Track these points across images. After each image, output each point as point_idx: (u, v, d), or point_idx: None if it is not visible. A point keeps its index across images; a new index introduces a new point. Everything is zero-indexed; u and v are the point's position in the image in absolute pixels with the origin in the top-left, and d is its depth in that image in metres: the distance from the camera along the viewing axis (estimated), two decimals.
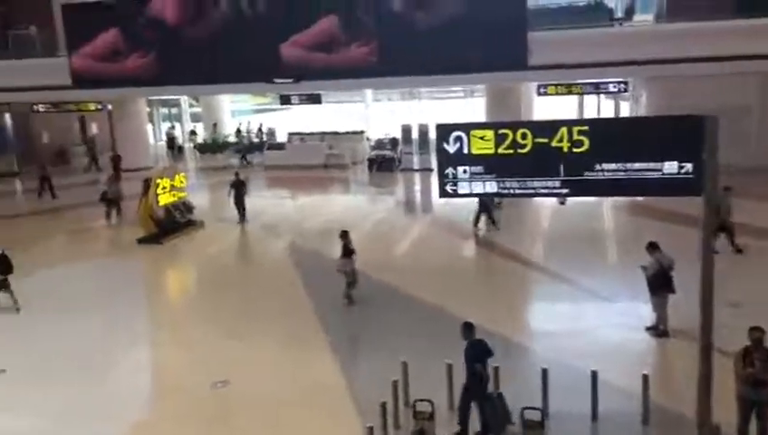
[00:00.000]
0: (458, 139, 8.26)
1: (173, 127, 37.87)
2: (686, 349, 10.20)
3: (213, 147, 34.14)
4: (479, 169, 8.29)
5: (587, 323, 12.30)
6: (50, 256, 18.30)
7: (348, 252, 13.63)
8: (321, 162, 29.76)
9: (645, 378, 8.82)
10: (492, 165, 8.22)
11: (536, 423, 8.34)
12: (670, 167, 7.78)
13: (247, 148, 31.71)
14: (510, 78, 24.45)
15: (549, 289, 14.36)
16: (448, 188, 8.47)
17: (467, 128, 8.28)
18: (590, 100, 33.04)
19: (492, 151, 8.18)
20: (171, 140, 35.48)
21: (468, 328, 8.79)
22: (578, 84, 26.96)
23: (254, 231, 20.20)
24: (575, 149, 7.94)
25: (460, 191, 8.45)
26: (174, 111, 41.07)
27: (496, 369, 9.19)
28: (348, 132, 32.89)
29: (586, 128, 7.92)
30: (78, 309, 14.11)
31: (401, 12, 23.03)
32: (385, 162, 28.33)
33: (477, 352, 8.60)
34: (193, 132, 36.43)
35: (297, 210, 23.24)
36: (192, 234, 19.68)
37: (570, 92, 27.68)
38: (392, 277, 14.87)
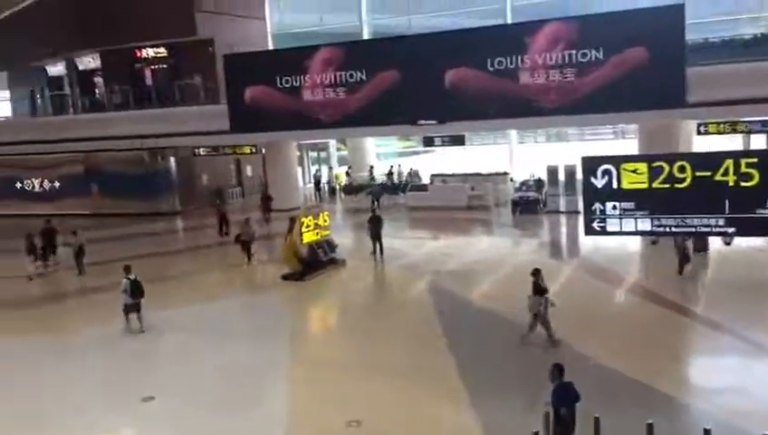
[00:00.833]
0: (607, 172, 7.70)
1: (319, 170, 39.23)
2: None
3: (357, 188, 34.86)
4: (630, 204, 7.68)
5: (755, 380, 10.98)
6: (199, 289, 19.20)
7: (539, 290, 12.96)
8: (464, 204, 29.44)
9: None
10: (645, 200, 7.59)
11: None
12: None
13: (379, 191, 31.96)
14: (667, 116, 22.96)
15: (712, 341, 13.06)
16: (595, 225, 7.91)
17: (617, 160, 7.71)
18: (757, 139, 30.41)
19: (645, 186, 7.55)
20: (318, 182, 36.72)
21: (558, 370, 8.48)
22: (743, 122, 24.95)
23: (395, 271, 20.17)
24: (743, 184, 7.14)
25: (609, 229, 7.86)
26: (323, 154, 42.54)
27: (650, 426, 8.30)
28: (491, 174, 32.40)
29: (756, 160, 7.11)
30: (221, 342, 14.63)
31: None
32: (529, 204, 27.51)
33: (563, 396, 8.27)
34: (348, 173, 37.56)
35: (438, 251, 23.00)
36: (334, 272, 19.95)
37: (734, 131, 25.65)
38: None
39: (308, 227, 19.67)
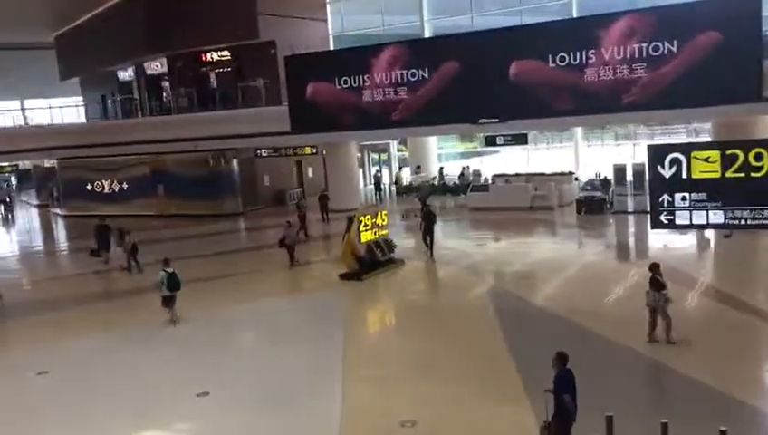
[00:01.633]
0: (676, 161, 7.18)
1: (380, 171, 39.14)
2: None
3: (416, 189, 34.56)
4: (702, 195, 7.14)
5: None
6: (259, 287, 19.31)
7: (658, 285, 12.37)
8: (527, 204, 28.77)
9: None
10: (718, 191, 7.04)
11: None
12: None
13: (428, 192, 31.48)
14: (742, 111, 21.77)
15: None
16: (663, 218, 7.41)
17: (687, 148, 7.19)
18: None
19: (718, 175, 7.01)
20: (378, 183, 36.63)
21: (560, 358, 8.53)
22: None
23: (455, 272, 19.80)
24: None
25: (678, 222, 7.35)
26: (383, 156, 42.45)
27: (723, 433, 7.73)
28: (555, 174, 31.58)
29: None
30: (277, 339, 14.68)
31: None
32: (594, 204, 26.68)
33: (565, 383, 8.31)
34: (417, 170, 37.30)
35: (500, 252, 22.51)
36: (392, 272, 19.71)
37: None
38: (600, 326, 13.55)
39: (366, 226, 19.49)
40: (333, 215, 28.53)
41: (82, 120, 39.64)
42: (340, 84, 27.11)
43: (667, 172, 7.26)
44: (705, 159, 7.07)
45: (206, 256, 24.06)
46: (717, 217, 7.08)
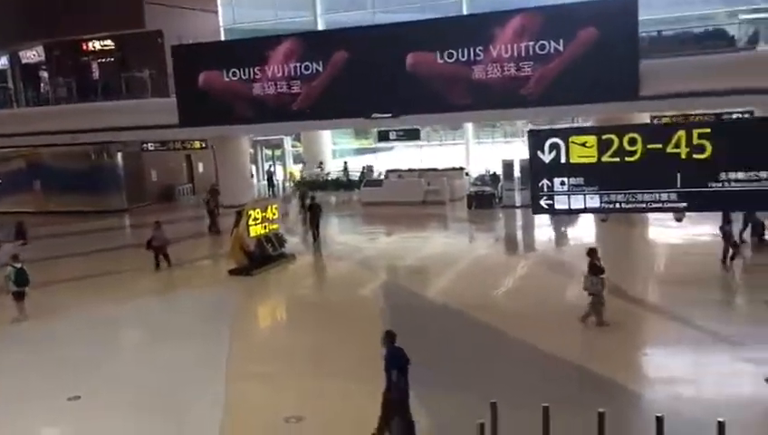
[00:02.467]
0: (555, 146, 7.25)
1: (272, 166, 38.53)
2: None
3: (313, 185, 34.16)
4: (579, 180, 7.24)
5: (712, 369, 10.72)
6: (141, 286, 18.35)
7: (596, 270, 12.65)
8: (419, 199, 29.03)
9: None
10: (594, 175, 7.16)
11: None
12: None
13: (304, 192, 31.04)
14: (621, 109, 22.78)
15: (667, 331, 12.77)
16: (543, 202, 7.45)
17: (566, 133, 7.28)
18: None
19: (594, 160, 7.13)
20: (270, 178, 36.02)
21: (389, 336, 8.90)
22: (696, 115, 25.03)
23: (348, 266, 19.62)
24: (695, 156, 6.77)
25: (557, 206, 7.41)
26: (277, 151, 41.74)
27: (602, 415, 7.89)
28: (447, 169, 32.06)
29: (708, 130, 6.74)
30: (161, 338, 14.00)
31: None
32: (484, 198, 27.27)
33: (396, 360, 8.68)
34: (321, 165, 36.85)
35: (392, 247, 22.53)
36: (283, 267, 19.29)
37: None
38: (489, 317, 13.73)
39: (256, 220, 18.96)
40: (224, 211, 27.70)
41: None
42: (232, 76, 26.32)
43: (546, 157, 7.32)
44: (583, 144, 7.18)
45: (87, 253, 22.79)
46: (594, 201, 7.21)
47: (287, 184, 35.91)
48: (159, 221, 20.82)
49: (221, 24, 37.40)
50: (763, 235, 17.73)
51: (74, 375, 11.94)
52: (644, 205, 7.08)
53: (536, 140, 7.39)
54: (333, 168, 37.61)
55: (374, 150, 43.22)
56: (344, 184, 32.72)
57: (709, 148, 6.71)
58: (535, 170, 7.41)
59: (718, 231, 16.29)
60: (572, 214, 8.23)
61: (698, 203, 6.87)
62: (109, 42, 34.72)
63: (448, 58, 22.02)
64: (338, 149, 42.75)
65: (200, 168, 37.00)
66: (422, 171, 31.83)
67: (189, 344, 13.33)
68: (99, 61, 35.38)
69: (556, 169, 7.30)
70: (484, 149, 37.75)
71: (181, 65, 27.23)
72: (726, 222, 16.02)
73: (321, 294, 17.94)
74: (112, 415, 10.35)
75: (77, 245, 24.37)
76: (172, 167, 35.51)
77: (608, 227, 21.41)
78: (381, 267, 19.19)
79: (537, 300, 14.96)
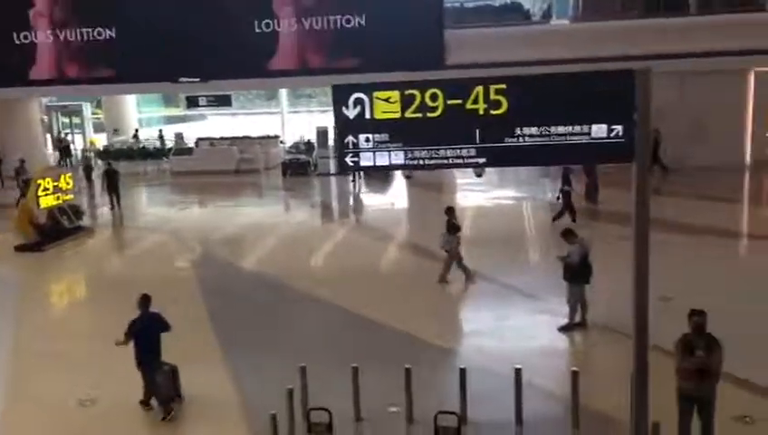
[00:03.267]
0: (359, 101, 7.06)
1: (67, 133, 35.27)
2: (614, 345, 9.57)
3: (115, 154, 31.84)
4: (384, 136, 7.11)
5: (511, 322, 11.29)
6: None
7: (453, 228, 12.77)
8: (232, 167, 28.17)
9: (574, 377, 7.80)
10: (398, 132, 7.06)
11: (452, 429, 7.15)
12: (598, 130, 6.81)
13: (89, 160, 29.19)
14: (426, 78, 23.44)
15: (468, 288, 13.29)
16: (348, 160, 7.22)
17: (370, 88, 7.11)
18: None
19: (398, 116, 7.03)
20: (66, 148, 32.82)
21: (143, 299, 8.76)
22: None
23: (156, 239, 18.49)
24: (492, 112, 6.88)
25: (362, 163, 7.22)
26: (76, 119, 38.38)
27: (408, 371, 8.00)
28: (261, 137, 31.36)
29: (504, 86, 6.87)
30: None
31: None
32: (299, 166, 27.05)
33: (148, 325, 8.69)
34: (135, 135, 34.05)
35: (205, 218, 21.61)
36: (81, 241, 17.78)
37: None
38: (305, 284, 13.52)
39: (46, 190, 17.21)
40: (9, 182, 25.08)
41: None
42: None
43: (351, 113, 7.11)
44: (387, 100, 7.05)
45: None
46: (398, 157, 7.11)
47: (88, 154, 33.06)
48: None
49: None
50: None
51: None
52: (446, 161, 7.11)
53: (340, 94, 7.14)
54: (148, 136, 35.34)
55: (184, 119, 41.36)
56: (152, 153, 30.85)
57: (505, 104, 6.84)
58: (340, 127, 7.16)
59: (558, 193, 17.20)
60: (378, 171, 8.15)
61: (496, 158, 7.01)
62: None
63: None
64: (144, 118, 40.36)
65: None
66: (234, 139, 30.87)
67: None
68: None
69: (361, 124, 7.10)
70: (301, 118, 37.47)
71: None
72: (566, 183, 16.93)
73: (126, 268, 16.67)
74: None
75: None
76: None
77: (417, 192, 22.08)
78: (194, 239, 18.24)
79: (351, 264, 15.01)
